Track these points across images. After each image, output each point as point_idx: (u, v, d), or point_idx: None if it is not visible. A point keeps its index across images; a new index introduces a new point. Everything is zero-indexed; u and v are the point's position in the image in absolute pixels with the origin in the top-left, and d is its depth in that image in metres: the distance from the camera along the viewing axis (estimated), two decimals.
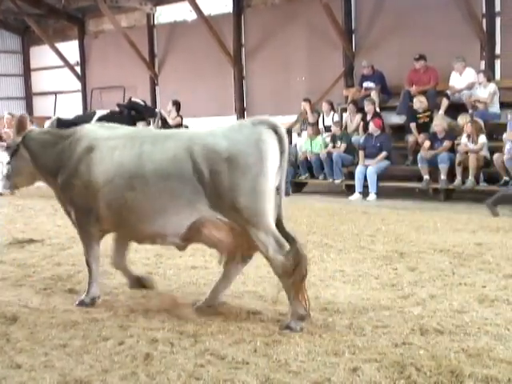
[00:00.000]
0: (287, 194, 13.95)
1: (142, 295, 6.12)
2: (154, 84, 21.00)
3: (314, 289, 6.21)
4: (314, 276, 6.69)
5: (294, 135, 16.00)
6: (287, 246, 4.99)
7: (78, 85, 23.26)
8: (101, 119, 13.44)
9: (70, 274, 7.07)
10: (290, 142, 15.42)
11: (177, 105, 13.50)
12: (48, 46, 22.80)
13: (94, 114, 14.01)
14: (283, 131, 5.09)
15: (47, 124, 14.59)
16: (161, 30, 20.73)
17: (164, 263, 7.51)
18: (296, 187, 14.64)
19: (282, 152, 5.03)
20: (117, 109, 14.46)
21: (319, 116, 15.55)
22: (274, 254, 4.96)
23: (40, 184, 6.39)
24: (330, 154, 13.98)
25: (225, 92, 18.70)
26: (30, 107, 24.67)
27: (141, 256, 7.89)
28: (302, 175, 14.64)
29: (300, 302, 5.06)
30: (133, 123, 13.34)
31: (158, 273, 7.03)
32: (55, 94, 23.90)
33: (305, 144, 14.86)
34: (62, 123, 14.11)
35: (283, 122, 16.57)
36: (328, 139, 14.66)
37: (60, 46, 23.00)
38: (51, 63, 23.69)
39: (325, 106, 15.34)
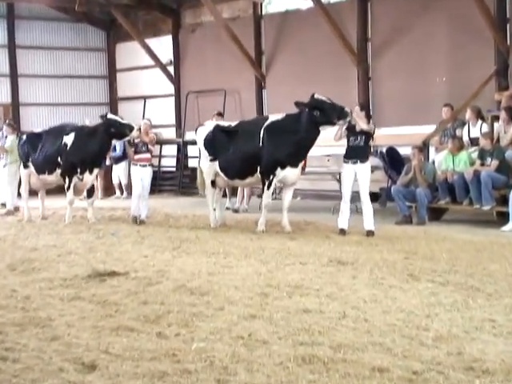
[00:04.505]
0: (422, 222, 13.82)
1: (243, 343, 6.16)
2: (260, 87, 21.20)
3: (457, 342, 6.08)
4: (456, 326, 6.57)
5: (432, 150, 15.77)
6: None
7: (170, 88, 23.79)
8: (273, 125, 13.41)
9: (158, 314, 7.19)
10: (427, 158, 15.21)
11: (366, 109, 13.18)
12: (137, 42, 23.43)
13: (267, 118, 13.94)
14: None
15: (201, 131, 14.47)
16: (269, 22, 20.96)
17: (270, 304, 7.54)
18: (434, 214, 14.39)
19: None
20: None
21: (463, 126, 15.27)
22: None
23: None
24: (477, 174, 13.67)
25: (347, 96, 18.54)
26: (114, 114, 25.31)
27: (243, 295, 7.96)
28: (442, 199, 14.36)
29: None
30: (314, 126, 13.00)
31: (262, 316, 7.06)
32: (144, 98, 24.47)
33: (445, 161, 14.59)
34: (221, 130, 14.12)
35: (418, 132, 16.42)
36: (475, 155, 14.35)
37: (151, 42, 23.60)
38: (140, 62, 24.32)
39: (470, 114, 15.03)
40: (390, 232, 12.87)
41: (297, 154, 13.19)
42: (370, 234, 12.57)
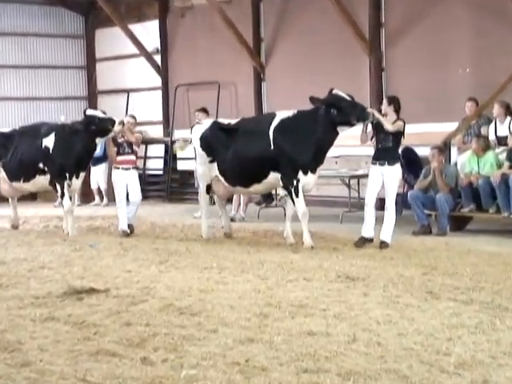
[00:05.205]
0: (443, 232, 13.81)
1: (239, 369, 6.14)
2: (259, 79, 21.17)
3: (482, 369, 6.07)
4: (481, 351, 6.56)
5: (454, 150, 15.77)
6: None
7: (157, 80, 23.80)
8: (285, 123, 13.20)
9: (143, 337, 7.19)
10: (449, 160, 15.22)
11: (395, 102, 12.93)
12: (119, 28, 23.41)
13: (274, 115, 13.67)
14: None
15: (197, 129, 14.29)
16: (269, 5, 20.95)
17: (270, 326, 7.54)
18: (456, 223, 14.39)
19: None
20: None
21: (490, 123, 15.29)
22: None
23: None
24: (505, 178, 13.69)
25: (358, 89, 18.45)
26: (94, 109, 25.23)
27: (239, 316, 7.95)
28: (465, 207, 14.36)
29: None
30: (332, 126, 12.79)
31: (261, 339, 7.05)
32: (127, 92, 24.50)
33: (469, 163, 14.61)
34: (219, 128, 13.93)
35: (438, 130, 16.42)
36: (503, 156, 14.37)
37: (135, 27, 23.61)
38: (123, 51, 24.36)
39: (497, 110, 15.04)
40: (406, 244, 12.88)
41: (316, 157, 13.04)
42: (383, 245, 12.51)
